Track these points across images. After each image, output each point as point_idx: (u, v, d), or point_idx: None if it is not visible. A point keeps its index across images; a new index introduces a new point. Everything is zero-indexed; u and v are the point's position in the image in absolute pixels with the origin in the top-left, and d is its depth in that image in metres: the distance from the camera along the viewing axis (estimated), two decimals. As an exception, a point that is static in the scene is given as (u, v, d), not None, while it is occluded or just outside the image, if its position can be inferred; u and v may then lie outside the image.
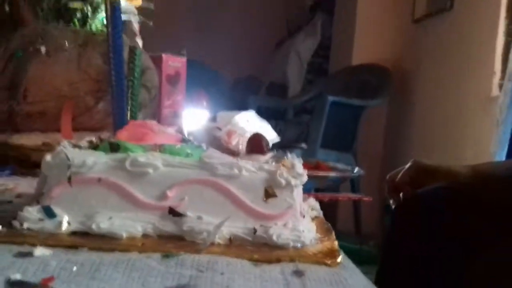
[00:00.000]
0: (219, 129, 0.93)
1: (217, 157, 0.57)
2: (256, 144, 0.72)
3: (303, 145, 2.52)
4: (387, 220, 2.79)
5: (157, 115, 1.15)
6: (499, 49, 2.10)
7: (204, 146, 0.66)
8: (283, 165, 0.57)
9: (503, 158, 1.82)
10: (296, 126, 3.59)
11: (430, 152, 2.51)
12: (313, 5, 3.71)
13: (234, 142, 0.92)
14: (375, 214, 2.92)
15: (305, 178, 0.57)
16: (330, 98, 2.39)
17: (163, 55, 1.17)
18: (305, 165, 0.91)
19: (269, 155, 0.67)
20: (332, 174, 1.08)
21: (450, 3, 2.43)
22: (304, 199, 0.66)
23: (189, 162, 0.55)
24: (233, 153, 0.83)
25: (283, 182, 0.55)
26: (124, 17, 1.08)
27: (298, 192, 0.57)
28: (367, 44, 3.01)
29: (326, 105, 2.37)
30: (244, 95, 4.35)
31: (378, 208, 2.88)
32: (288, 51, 3.77)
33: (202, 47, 3.89)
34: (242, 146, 0.97)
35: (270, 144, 1.03)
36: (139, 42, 1.26)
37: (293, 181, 0.55)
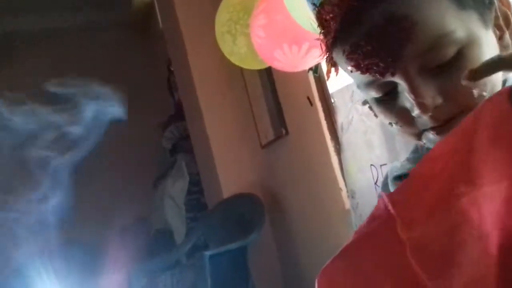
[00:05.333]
0: None
1: None
2: None
3: (197, 307, 2.46)
4: None
5: None
6: (336, 167, 2.28)
7: None
8: None
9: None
10: (192, 269, 3.53)
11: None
12: (172, 149, 3.81)
13: None
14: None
15: None
16: (207, 254, 2.40)
17: None
18: None
19: None
20: None
21: (285, 130, 2.64)
22: None
23: None
24: None
25: None
26: None
27: None
28: (232, 176, 3.12)
29: (205, 261, 2.37)
30: (134, 242, 4.22)
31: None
32: (162, 196, 3.78)
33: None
34: None
35: None
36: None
37: None
